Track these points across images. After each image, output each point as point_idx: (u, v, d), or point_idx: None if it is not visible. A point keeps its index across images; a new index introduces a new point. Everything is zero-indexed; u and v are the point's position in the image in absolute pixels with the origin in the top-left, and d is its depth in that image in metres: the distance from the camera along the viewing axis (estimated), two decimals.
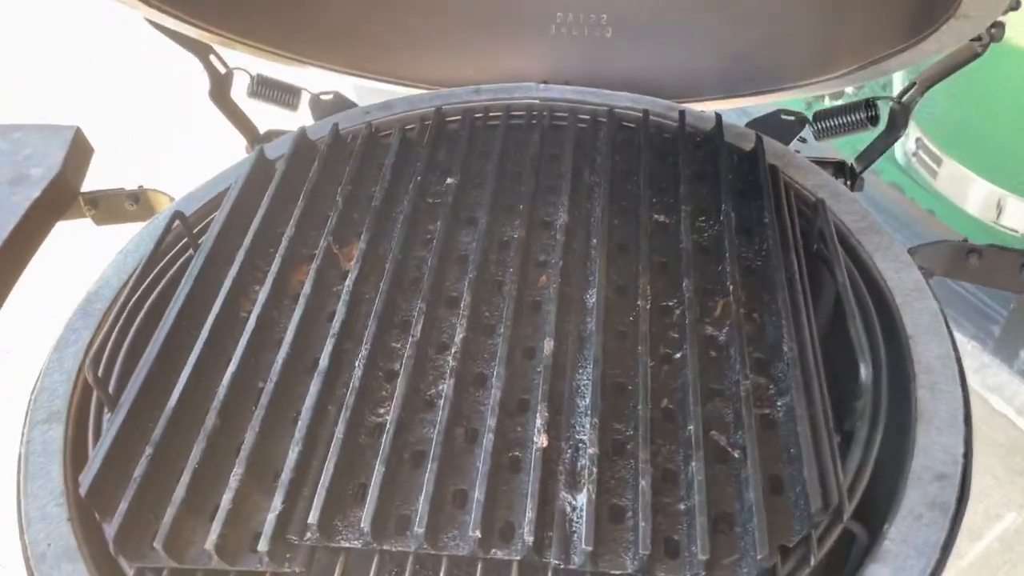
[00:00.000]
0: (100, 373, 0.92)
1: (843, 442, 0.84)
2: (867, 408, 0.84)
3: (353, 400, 0.85)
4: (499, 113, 1.26)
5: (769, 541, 0.72)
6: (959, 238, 1.06)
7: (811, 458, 0.76)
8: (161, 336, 0.94)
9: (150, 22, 1.19)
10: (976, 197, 2.33)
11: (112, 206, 1.25)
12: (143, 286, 1.04)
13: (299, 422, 0.84)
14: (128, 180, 1.32)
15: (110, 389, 0.95)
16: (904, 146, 2.43)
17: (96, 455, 0.83)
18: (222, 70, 1.29)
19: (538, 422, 0.81)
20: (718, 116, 1.14)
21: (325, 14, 1.30)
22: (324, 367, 0.88)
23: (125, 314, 1.00)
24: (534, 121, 1.23)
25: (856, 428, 0.84)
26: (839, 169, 1.19)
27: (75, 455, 0.90)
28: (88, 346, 1.00)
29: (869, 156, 1.16)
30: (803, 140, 1.21)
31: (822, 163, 1.18)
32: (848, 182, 1.18)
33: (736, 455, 0.79)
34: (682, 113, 1.16)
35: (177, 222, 1.06)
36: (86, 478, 0.81)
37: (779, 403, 0.84)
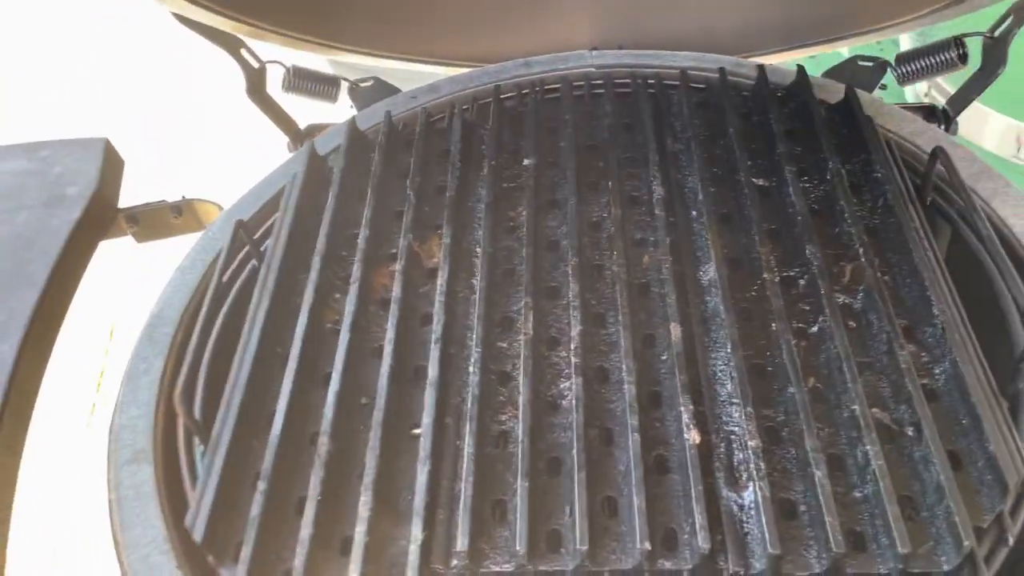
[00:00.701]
0: None
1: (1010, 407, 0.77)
2: None
3: (476, 410, 0.78)
4: (556, 85, 1.18)
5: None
6: None
7: (994, 428, 0.70)
8: (248, 358, 0.86)
9: (178, 17, 1.10)
10: (994, 133, 2.26)
11: (154, 221, 1.17)
12: (211, 304, 0.96)
13: (421, 439, 0.77)
14: (148, 191, 1.23)
15: (196, 419, 0.87)
16: (915, 86, 2.37)
17: (204, 496, 0.76)
18: (255, 64, 1.20)
19: (684, 416, 0.74)
20: (801, 68, 1.07)
21: None
22: (435, 376, 0.81)
23: (197, 336, 0.92)
24: (598, 90, 1.15)
25: (1019, 392, 0.78)
26: (930, 114, 1.12)
27: (171, 496, 0.83)
28: (162, 375, 0.92)
29: (964, 98, 1.09)
30: (883, 87, 1.14)
31: (909, 109, 1.11)
32: (942, 127, 1.11)
33: (909, 432, 0.73)
34: (761, 68, 1.08)
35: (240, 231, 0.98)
36: (198, 523, 0.74)
37: (936, 371, 0.78)
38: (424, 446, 0.76)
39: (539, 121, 1.09)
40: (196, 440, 0.86)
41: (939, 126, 1.10)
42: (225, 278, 1.00)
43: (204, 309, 0.89)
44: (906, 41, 2.05)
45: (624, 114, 1.11)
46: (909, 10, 1.10)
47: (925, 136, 1.04)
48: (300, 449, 0.81)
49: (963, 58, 1.08)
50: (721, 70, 1.09)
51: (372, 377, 0.85)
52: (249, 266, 1.03)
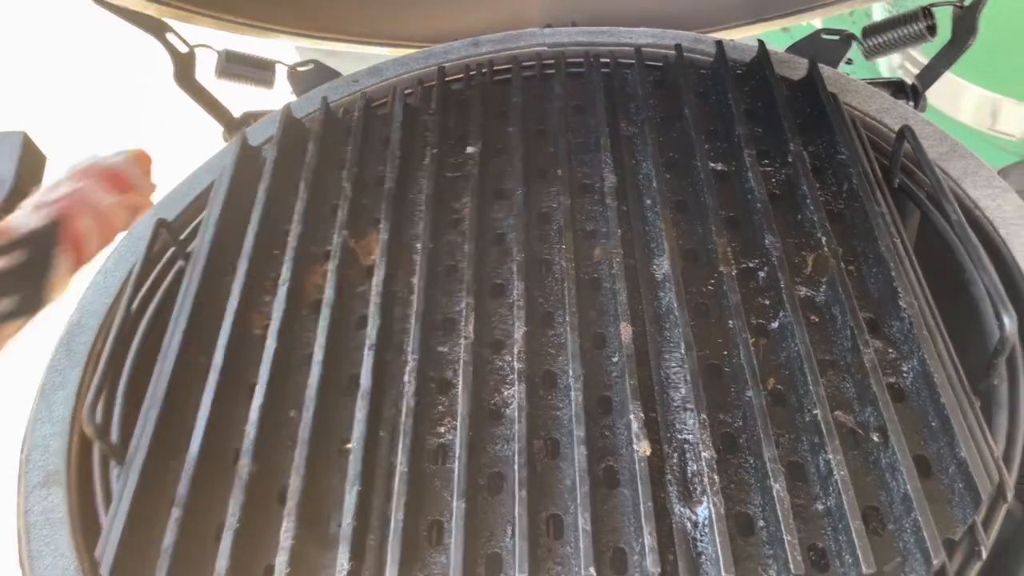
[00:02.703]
0: (99, 421, 0.78)
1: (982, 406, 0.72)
2: (1002, 364, 0.73)
3: (411, 423, 0.72)
4: (507, 65, 1.11)
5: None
6: None
7: (964, 431, 0.65)
8: (166, 369, 0.80)
9: (97, 1, 1.02)
10: (969, 105, 2.22)
11: None
12: (132, 311, 0.89)
13: (351, 456, 0.71)
14: None
15: (113, 438, 0.81)
16: (889, 59, 2.31)
17: (113, 524, 0.70)
18: (183, 49, 1.13)
19: (634, 425, 0.69)
20: (761, 43, 1.01)
21: None
22: (367, 386, 0.75)
23: (116, 346, 0.84)
24: (550, 70, 1.08)
25: (993, 389, 0.73)
26: (898, 90, 1.07)
27: (84, 523, 0.76)
28: (79, 389, 0.86)
29: (933, 72, 1.03)
30: (850, 62, 1.08)
31: (876, 84, 1.05)
32: (911, 103, 1.06)
33: (875, 438, 0.68)
34: (720, 44, 1.02)
35: (163, 231, 0.91)
36: (106, 554, 0.68)
37: (904, 368, 0.73)
38: (354, 465, 0.70)
39: (486, 105, 1.02)
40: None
41: (907, 102, 1.04)
42: (148, 282, 0.93)
43: (119, 317, 0.82)
44: (879, 12, 1.99)
45: (576, 96, 1.04)
46: None
47: (893, 113, 0.98)
48: (221, 468, 0.75)
49: (932, 29, 1.03)
50: (677, 47, 1.03)
51: (302, 387, 0.78)
52: (176, 267, 0.96)
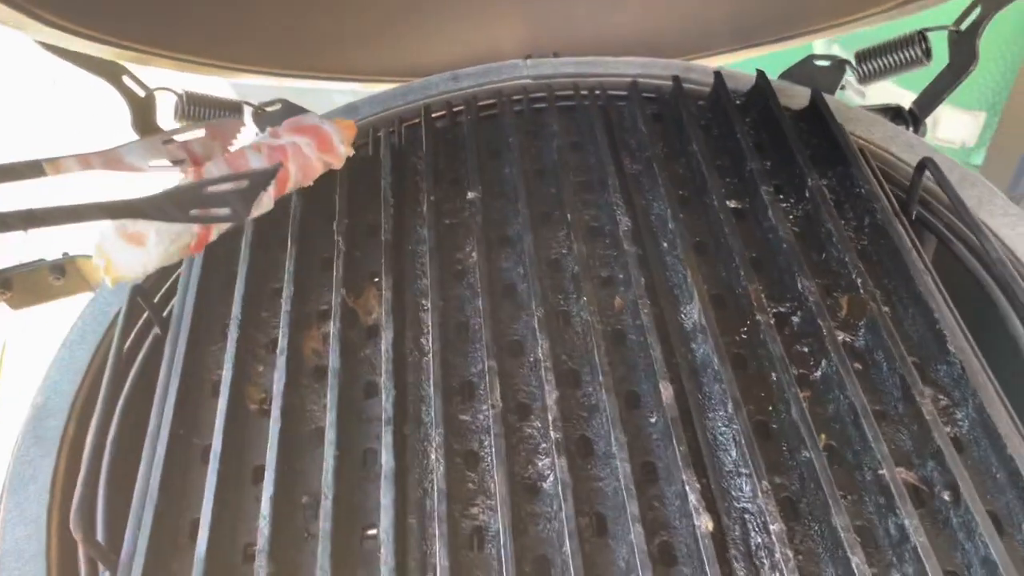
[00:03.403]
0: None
1: None
2: None
3: (444, 508, 0.65)
4: (491, 100, 1.06)
5: None
6: None
7: None
8: (158, 458, 0.71)
9: (43, 45, 0.92)
10: None
11: (32, 284, 0.98)
12: (107, 389, 0.80)
13: (382, 549, 0.64)
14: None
15: (99, 536, 0.72)
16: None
17: None
18: (141, 93, 1.04)
19: (692, 498, 0.64)
20: (761, 73, 0.98)
21: (258, 9, 1.06)
22: (390, 468, 0.68)
23: (94, 431, 0.76)
24: (539, 104, 1.03)
25: None
26: (896, 115, 1.05)
27: None
28: (53, 481, 0.77)
29: (932, 98, 1.02)
30: (842, 88, 1.06)
31: (874, 110, 1.04)
32: (910, 129, 1.04)
33: (945, 496, 0.64)
34: (718, 74, 0.99)
35: (138, 299, 0.83)
36: None
37: (959, 417, 0.70)
38: (386, 558, 0.63)
39: (478, 144, 0.96)
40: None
41: (907, 128, 1.02)
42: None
43: (100, 402, 0.73)
44: (820, 44, 1.99)
45: (571, 131, 1.00)
46: (870, 4, 1.02)
47: (898, 141, 0.96)
48: (231, 568, 0.67)
49: (928, 53, 1.01)
50: (675, 78, 0.99)
51: (311, 467, 0.72)
52: (151, 336, 0.87)
